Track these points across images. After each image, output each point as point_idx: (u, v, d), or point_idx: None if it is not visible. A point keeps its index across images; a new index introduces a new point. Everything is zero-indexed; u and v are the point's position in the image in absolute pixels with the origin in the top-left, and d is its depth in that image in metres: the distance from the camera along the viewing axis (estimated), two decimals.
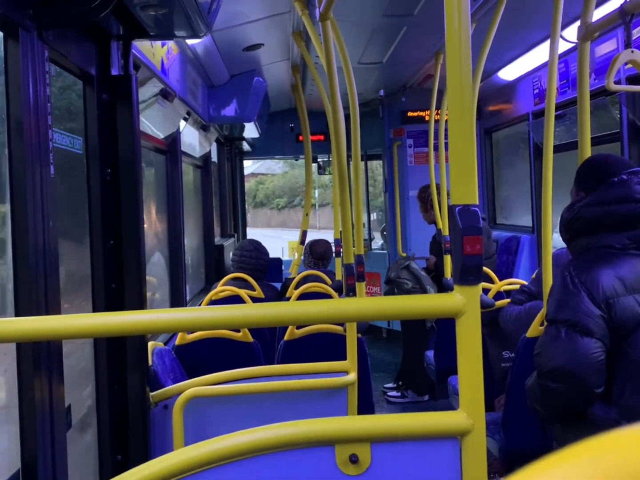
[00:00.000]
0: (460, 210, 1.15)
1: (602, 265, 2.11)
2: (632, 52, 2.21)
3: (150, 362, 2.82)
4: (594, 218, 2.17)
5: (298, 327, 3.56)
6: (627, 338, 2.04)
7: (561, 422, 2.23)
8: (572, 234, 2.27)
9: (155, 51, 3.39)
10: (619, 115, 4.13)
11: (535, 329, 2.91)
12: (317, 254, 5.27)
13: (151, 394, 2.60)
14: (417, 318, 3.71)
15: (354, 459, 1.23)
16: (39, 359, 1.84)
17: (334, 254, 5.65)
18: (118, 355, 2.47)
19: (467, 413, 1.18)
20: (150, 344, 2.96)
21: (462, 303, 1.15)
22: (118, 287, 2.49)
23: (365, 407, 3.21)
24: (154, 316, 1.38)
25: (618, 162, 2.32)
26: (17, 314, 1.80)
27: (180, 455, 1.29)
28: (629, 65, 3.52)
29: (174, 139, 4.41)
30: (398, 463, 1.24)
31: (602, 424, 2.05)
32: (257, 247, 4.89)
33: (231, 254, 5.14)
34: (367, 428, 1.25)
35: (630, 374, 2.03)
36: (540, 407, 2.21)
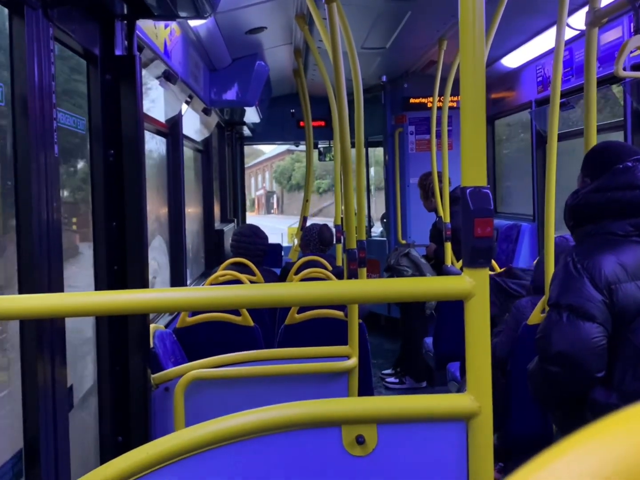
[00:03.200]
0: (471, 192, 1.15)
1: (604, 251, 2.11)
2: None
3: (151, 345, 2.82)
4: (598, 204, 2.18)
5: (299, 312, 3.56)
6: (629, 324, 2.06)
7: (562, 407, 2.25)
8: (576, 220, 2.27)
9: (158, 32, 3.36)
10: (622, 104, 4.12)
11: (536, 317, 2.91)
12: (326, 240, 5.27)
13: (152, 376, 2.60)
14: (425, 300, 3.72)
15: (360, 440, 1.23)
16: (41, 339, 1.84)
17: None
18: (120, 337, 2.47)
19: (475, 396, 1.18)
20: (151, 326, 2.96)
21: (472, 286, 1.15)
22: (120, 268, 2.48)
23: (365, 392, 3.22)
24: (156, 295, 1.37)
25: (624, 149, 2.32)
26: (21, 293, 1.79)
27: (185, 435, 1.29)
28: (635, 54, 3.51)
29: (176, 122, 4.39)
30: (404, 445, 1.24)
31: (602, 409, 2.06)
32: (255, 232, 4.87)
33: (230, 239, 5.13)
34: (374, 409, 1.25)
35: (632, 359, 2.04)
36: (542, 391, 2.22)
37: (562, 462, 0.31)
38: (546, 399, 2.28)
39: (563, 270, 2.17)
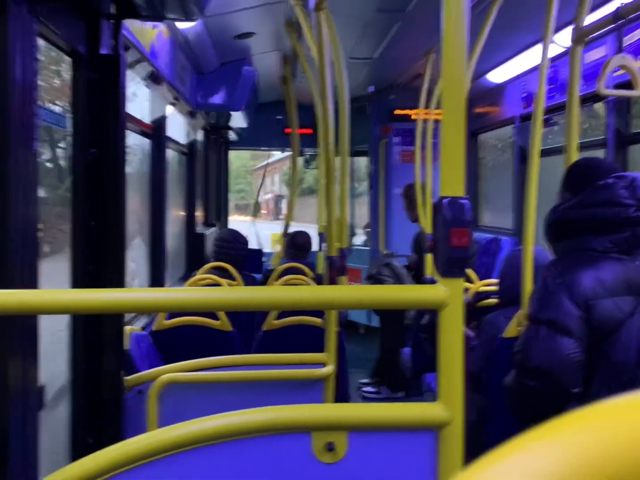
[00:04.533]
0: (449, 202, 1.15)
1: (583, 267, 2.13)
2: (624, 57, 2.22)
3: (126, 347, 2.79)
4: (578, 220, 2.19)
5: (277, 318, 3.55)
6: (606, 340, 2.07)
7: (538, 422, 2.25)
8: (556, 236, 2.29)
9: (145, 33, 3.35)
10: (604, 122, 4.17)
11: (512, 330, 2.92)
12: (298, 245, 5.28)
13: (126, 378, 2.58)
14: (400, 308, 3.73)
15: (330, 447, 1.22)
16: (12, 337, 1.81)
17: (315, 248, 5.65)
18: (94, 338, 2.45)
19: (446, 405, 1.18)
20: (127, 328, 2.94)
21: (446, 295, 1.15)
22: (98, 269, 2.46)
23: (341, 399, 3.21)
24: (132, 295, 1.36)
25: (605, 166, 2.34)
26: None
27: (156, 437, 1.28)
28: (618, 72, 3.55)
29: (160, 123, 4.37)
30: (374, 453, 1.24)
31: None
32: (236, 238, 4.85)
33: (211, 243, 5.11)
34: (345, 416, 1.24)
35: (608, 375, 2.05)
36: (518, 405, 2.23)
37: (510, 461, 0.31)
38: (522, 413, 2.28)
39: (542, 285, 2.18)
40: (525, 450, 0.31)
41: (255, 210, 9.21)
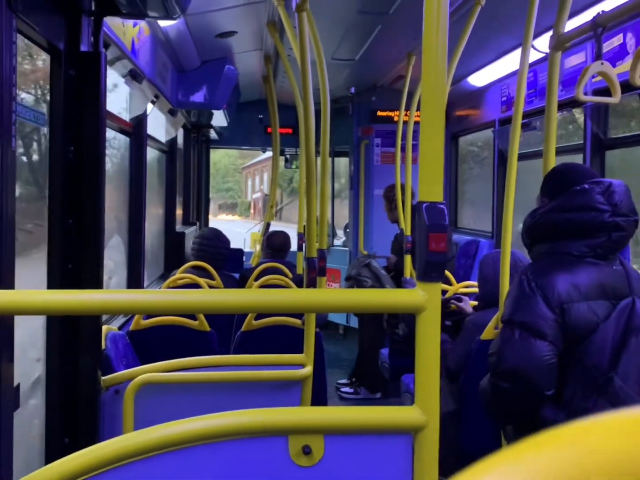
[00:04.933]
0: (427, 207, 1.16)
1: (559, 270, 2.15)
2: (602, 64, 2.25)
3: (103, 346, 2.77)
4: (555, 224, 2.22)
5: (256, 318, 3.55)
6: (580, 344, 2.09)
7: (512, 424, 2.27)
8: (532, 239, 2.31)
9: (126, 30, 3.33)
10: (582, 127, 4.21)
11: (489, 332, 2.95)
12: (274, 246, 5.27)
13: (103, 378, 2.56)
14: (378, 312, 3.75)
15: (307, 451, 1.23)
16: None
17: (294, 248, 5.64)
18: (71, 337, 2.42)
19: (422, 409, 1.19)
20: (104, 327, 2.91)
21: (424, 299, 1.16)
22: (74, 267, 2.44)
23: (319, 401, 3.21)
24: (109, 296, 1.35)
25: (583, 171, 2.36)
26: None
27: (129, 440, 1.27)
28: (596, 79, 3.59)
29: (140, 121, 4.34)
30: (351, 456, 1.24)
31: (551, 426, 2.08)
32: (218, 236, 4.83)
33: (191, 242, 5.08)
34: (322, 419, 1.24)
35: (582, 378, 2.08)
36: (492, 407, 2.24)
37: (493, 474, 0.31)
38: (497, 415, 2.30)
39: (517, 287, 2.20)
40: (510, 463, 0.31)
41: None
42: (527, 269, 2.23)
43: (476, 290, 3.82)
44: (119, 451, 1.23)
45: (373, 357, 5.59)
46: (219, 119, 6.90)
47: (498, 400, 2.19)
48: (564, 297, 2.10)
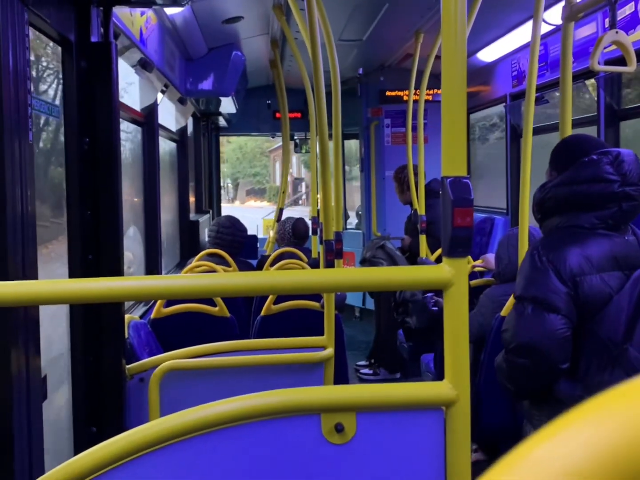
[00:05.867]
0: (452, 181, 1.15)
1: (570, 244, 2.13)
2: (617, 32, 2.22)
3: (126, 335, 2.79)
4: (564, 198, 2.19)
5: (275, 303, 3.56)
6: (594, 316, 2.07)
7: (529, 399, 2.27)
8: (543, 214, 2.29)
9: (134, 20, 3.32)
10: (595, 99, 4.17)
11: (509, 308, 2.94)
12: (299, 233, 5.24)
13: (127, 366, 2.58)
14: (406, 289, 3.76)
15: (339, 428, 1.23)
16: (14, 328, 1.81)
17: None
18: (94, 327, 2.45)
19: (452, 384, 1.19)
20: (126, 317, 2.93)
21: (451, 275, 1.16)
22: (95, 258, 2.46)
23: (341, 382, 3.23)
24: (131, 283, 1.36)
25: (591, 142, 2.32)
26: None
27: (161, 424, 1.28)
28: (608, 49, 3.55)
29: (151, 111, 4.34)
30: (383, 432, 1.25)
31: (567, 400, 2.08)
32: (234, 224, 4.85)
33: (207, 230, 5.10)
34: (353, 397, 1.25)
35: (596, 351, 2.06)
36: (508, 383, 2.24)
37: (532, 460, 0.31)
38: (513, 390, 2.30)
39: (529, 262, 2.18)
40: (549, 446, 0.31)
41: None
42: (538, 244, 2.22)
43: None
44: (151, 436, 1.25)
45: (391, 337, 5.60)
46: (228, 106, 6.88)
47: (514, 375, 2.18)
48: (575, 270, 2.08)
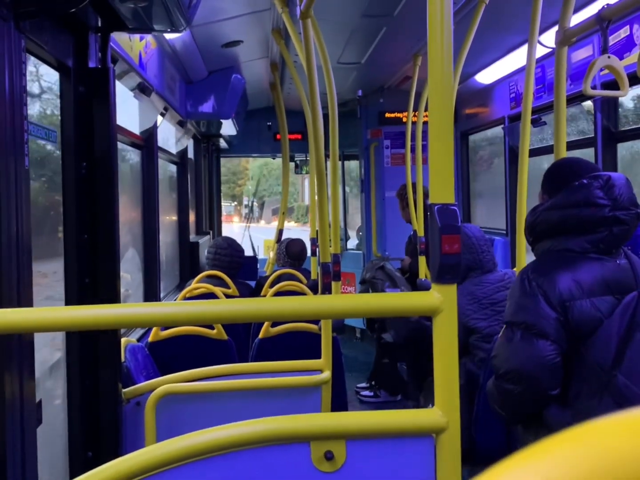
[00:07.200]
0: (439, 208, 1.16)
1: (560, 268, 2.11)
2: (609, 57, 2.24)
3: (122, 359, 2.79)
4: (555, 221, 2.18)
5: (273, 325, 3.56)
6: (584, 341, 2.04)
7: (520, 423, 2.25)
8: (534, 237, 2.28)
9: (133, 45, 3.36)
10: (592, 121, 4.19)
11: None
12: (293, 254, 5.25)
13: (123, 390, 2.58)
14: (394, 316, 3.77)
15: (329, 456, 1.23)
16: (9, 353, 1.81)
17: (309, 254, 5.65)
18: (90, 351, 2.44)
19: (442, 411, 1.19)
20: (123, 340, 2.93)
21: (440, 301, 1.16)
22: (91, 282, 2.46)
23: (339, 405, 3.21)
24: (128, 310, 1.36)
25: (582, 166, 2.31)
26: None
27: (154, 451, 1.28)
28: (605, 72, 3.58)
29: (151, 134, 4.37)
30: (373, 460, 1.25)
31: (557, 426, 2.05)
32: (231, 245, 4.86)
33: (205, 251, 5.10)
34: (343, 425, 1.25)
35: (586, 377, 2.03)
36: (499, 408, 2.22)
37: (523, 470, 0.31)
38: (505, 416, 2.28)
39: (518, 288, 2.16)
40: (527, 464, 0.31)
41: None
42: (528, 268, 2.20)
43: None
44: (142, 464, 1.24)
45: (391, 359, 5.58)
46: (228, 128, 6.93)
47: (505, 401, 2.16)
48: (565, 295, 2.06)
